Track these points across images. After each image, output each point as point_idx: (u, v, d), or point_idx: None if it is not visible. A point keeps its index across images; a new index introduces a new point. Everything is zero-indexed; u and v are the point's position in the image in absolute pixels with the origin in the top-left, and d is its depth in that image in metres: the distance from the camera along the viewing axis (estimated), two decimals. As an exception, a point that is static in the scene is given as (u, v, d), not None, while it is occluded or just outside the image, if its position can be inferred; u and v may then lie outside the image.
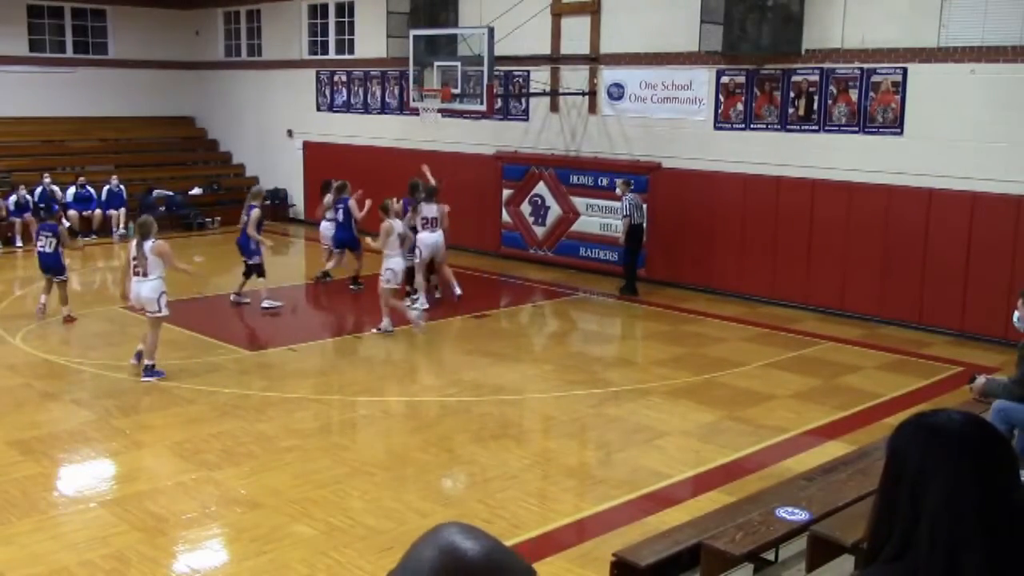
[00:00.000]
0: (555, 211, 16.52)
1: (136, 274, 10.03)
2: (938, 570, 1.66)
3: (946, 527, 1.67)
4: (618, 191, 14.38)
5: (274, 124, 22.04)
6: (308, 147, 21.27)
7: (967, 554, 1.65)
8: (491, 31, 14.16)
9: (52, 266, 12.47)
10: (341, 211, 14.69)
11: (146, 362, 10.14)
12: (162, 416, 9.01)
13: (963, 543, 1.65)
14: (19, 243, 18.31)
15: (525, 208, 16.96)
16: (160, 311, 10.07)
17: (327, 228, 15.18)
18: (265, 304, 13.39)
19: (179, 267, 10.59)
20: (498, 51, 14.32)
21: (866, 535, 1.85)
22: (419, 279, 13.42)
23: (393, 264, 12.02)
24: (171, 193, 20.78)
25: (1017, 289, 8.23)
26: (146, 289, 9.99)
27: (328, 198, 15.05)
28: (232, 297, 13.80)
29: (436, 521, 5.51)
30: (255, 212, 13.30)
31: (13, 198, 18.56)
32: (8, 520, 6.69)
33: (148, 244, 9.97)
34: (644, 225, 14.52)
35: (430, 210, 13.34)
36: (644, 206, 14.56)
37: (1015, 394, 6.58)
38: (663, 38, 14.77)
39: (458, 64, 14.62)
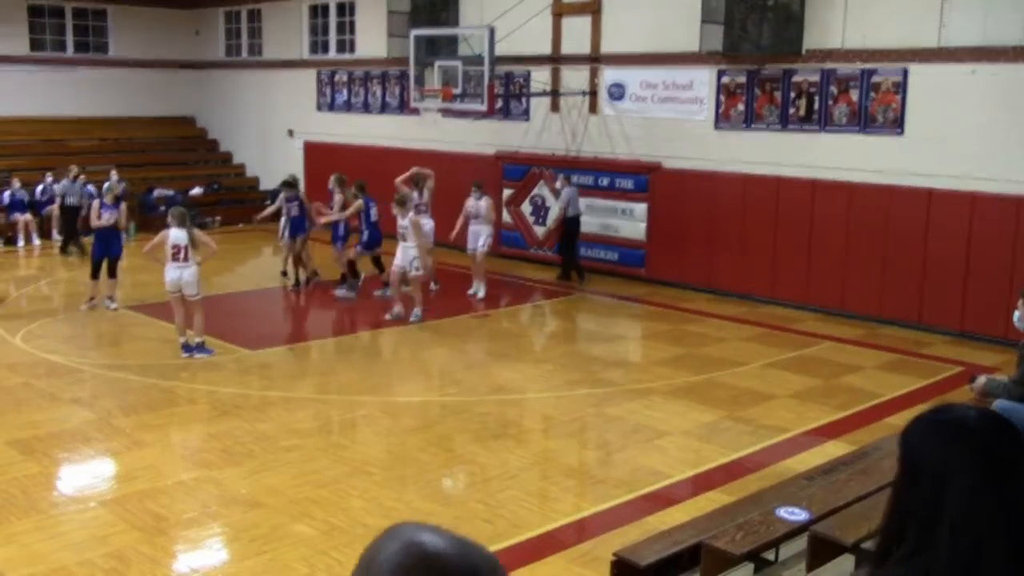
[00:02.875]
0: (556, 211, 16.51)
1: (176, 260, 10.71)
2: (959, 568, 1.64)
3: (968, 525, 1.65)
4: (558, 185, 15.01)
5: (274, 124, 22.03)
6: (308, 147, 21.27)
7: (988, 551, 1.63)
8: (492, 31, 14.17)
9: None
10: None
11: (196, 339, 10.88)
12: (162, 416, 9.01)
13: (985, 541, 1.64)
14: (21, 242, 18.30)
15: (526, 208, 16.96)
16: (199, 294, 10.94)
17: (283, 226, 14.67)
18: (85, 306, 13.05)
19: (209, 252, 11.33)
20: (499, 51, 14.33)
21: (877, 533, 1.83)
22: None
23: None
24: (171, 193, 20.78)
25: (1017, 289, 8.23)
26: (188, 274, 10.75)
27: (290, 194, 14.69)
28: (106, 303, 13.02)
29: (436, 521, 5.50)
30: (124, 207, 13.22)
31: (8, 192, 18.54)
32: (8, 519, 6.69)
33: (186, 232, 10.74)
34: (580, 217, 15.10)
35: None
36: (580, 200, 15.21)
37: (1015, 394, 6.58)
38: (664, 38, 14.77)
39: (459, 64, 14.62)
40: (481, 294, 14.10)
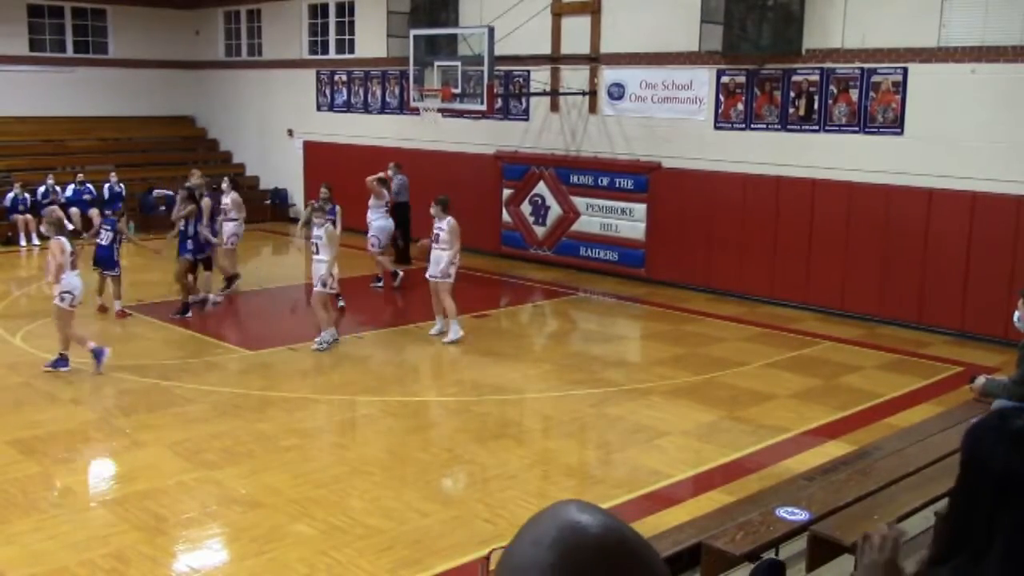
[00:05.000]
0: (555, 211, 16.51)
1: (75, 267, 10.31)
2: (1015, 573, 1.64)
3: None
4: (389, 173, 15.50)
5: (274, 124, 22.03)
6: (308, 147, 21.27)
7: None
8: (491, 31, 14.16)
9: (105, 260, 12.70)
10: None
11: (62, 352, 10.22)
12: (162, 416, 9.01)
13: None
14: (23, 242, 18.30)
15: (525, 208, 16.96)
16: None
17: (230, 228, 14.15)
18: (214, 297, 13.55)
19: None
20: (498, 51, 14.32)
21: (938, 535, 1.82)
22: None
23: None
24: (171, 192, 20.77)
25: (1017, 289, 8.23)
26: (80, 281, 10.36)
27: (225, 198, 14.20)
28: (212, 297, 13.49)
29: (436, 521, 5.46)
30: (208, 201, 13.17)
31: (11, 195, 18.56)
32: (8, 519, 6.69)
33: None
34: (408, 202, 15.58)
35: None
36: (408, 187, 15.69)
37: (1015, 394, 6.58)
38: (663, 38, 14.77)
39: (458, 64, 14.62)
40: (449, 336, 11.63)
